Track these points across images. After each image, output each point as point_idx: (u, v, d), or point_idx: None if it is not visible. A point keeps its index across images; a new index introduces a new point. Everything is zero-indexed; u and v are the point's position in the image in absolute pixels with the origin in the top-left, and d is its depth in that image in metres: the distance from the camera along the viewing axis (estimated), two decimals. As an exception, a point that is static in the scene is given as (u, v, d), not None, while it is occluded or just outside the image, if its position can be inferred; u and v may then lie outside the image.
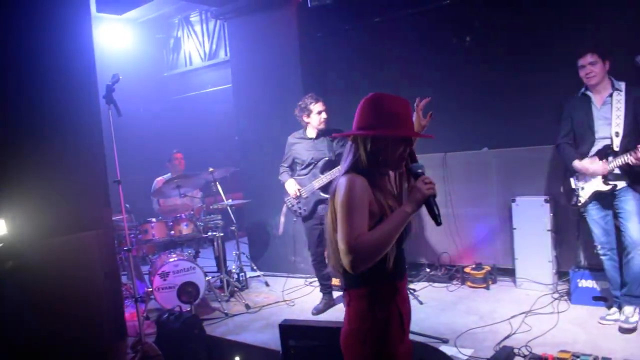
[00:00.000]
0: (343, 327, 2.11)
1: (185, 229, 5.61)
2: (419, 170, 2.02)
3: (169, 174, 6.75)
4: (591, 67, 3.94)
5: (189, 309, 4.93)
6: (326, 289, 5.21)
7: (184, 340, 4.24)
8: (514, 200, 5.16)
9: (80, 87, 4.55)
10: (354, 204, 1.90)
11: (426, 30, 5.86)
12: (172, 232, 5.57)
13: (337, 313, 5.04)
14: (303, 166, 5.00)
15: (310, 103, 4.84)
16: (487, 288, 5.28)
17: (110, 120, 4.37)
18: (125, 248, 4.57)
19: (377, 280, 2.01)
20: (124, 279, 5.66)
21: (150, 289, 5.19)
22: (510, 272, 5.37)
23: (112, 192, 4.69)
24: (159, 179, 6.76)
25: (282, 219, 5.33)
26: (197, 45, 9.24)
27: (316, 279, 5.85)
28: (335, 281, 5.41)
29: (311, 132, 4.97)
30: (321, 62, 6.60)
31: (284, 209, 5.17)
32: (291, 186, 4.96)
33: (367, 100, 2.05)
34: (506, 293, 5.13)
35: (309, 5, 5.83)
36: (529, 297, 4.85)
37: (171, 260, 5.20)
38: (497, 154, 5.50)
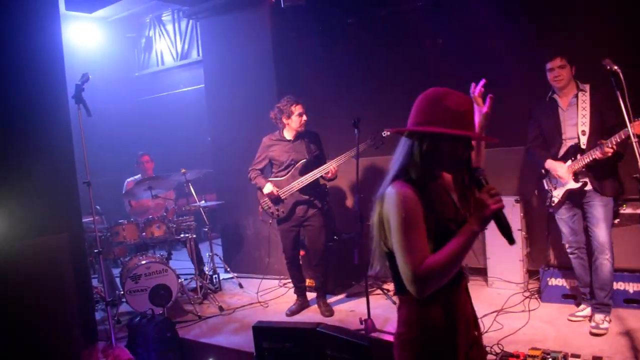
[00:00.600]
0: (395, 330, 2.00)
1: (157, 231, 5.54)
2: (481, 178, 1.80)
3: (139, 176, 6.66)
4: (560, 71, 4.02)
5: (161, 311, 4.87)
6: (300, 290, 5.20)
7: (157, 343, 4.18)
8: (485, 201, 5.21)
9: (49, 86, 4.46)
10: (410, 224, 1.76)
11: (399, 32, 5.89)
12: (144, 234, 5.50)
13: (311, 314, 5.04)
14: (281, 168, 4.95)
15: (292, 105, 4.81)
16: (460, 287, 5.32)
17: (79, 121, 4.29)
18: (95, 250, 4.49)
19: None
20: (94, 282, 5.57)
21: (122, 292, 5.11)
22: (482, 272, 5.43)
23: (82, 194, 4.61)
24: (128, 180, 6.67)
25: (260, 210, 5.28)
26: (169, 44, 9.15)
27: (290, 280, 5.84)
28: (310, 282, 5.41)
29: (289, 134, 4.95)
30: (295, 63, 6.58)
31: (260, 210, 5.12)
32: (270, 189, 4.91)
33: (426, 95, 1.89)
34: (478, 292, 5.18)
35: (282, 6, 5.81)
36: (501, 296, 4.92)
37: (143, 262, 5.13)
38: (468, 155, 5.55)
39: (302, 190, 4.86)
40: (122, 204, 6.77)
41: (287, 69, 6.43)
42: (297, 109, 4.82)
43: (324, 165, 4.79)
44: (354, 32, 6.20)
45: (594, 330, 3.95)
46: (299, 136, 4.94)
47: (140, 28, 9.49)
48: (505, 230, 1.74)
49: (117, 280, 5.75)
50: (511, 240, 1.74)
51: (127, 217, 6.00)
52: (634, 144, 3.25)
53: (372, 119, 5.47)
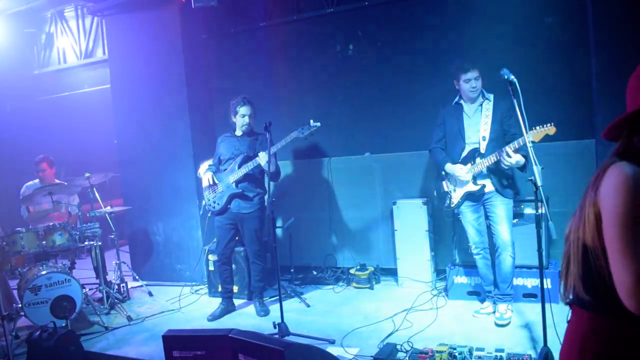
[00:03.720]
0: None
1: (59, 239, 5.23)
2: None
3: (37, 181, 6.25)
4: (476, 82, 4.18)
5: (64, 324, 4.61)
6: (227, 293, 5.14)
7: (59, 358, 3.96)
8: (394, 203, 5.38)
9: None
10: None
11: (311, 37, 5.96)
12: (44, 242, 5.17)
13: (236, 319, 4.98)
14: (224, 162, 5.07)
15: (238, 104, 4.95)
16: (372, 288, 5.46)
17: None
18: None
19: (617, 311, 1.39)
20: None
21: (20, 305, 4.79)
22: (392, 272, 5.60)
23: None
24: (28, 184, 6.25)
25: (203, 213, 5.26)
26: (72, 42, 8.69)
27: (204, 286, 5.75)
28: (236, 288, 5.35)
29: (238, 131, 5.07)
30: (206, 64, 6.48)
31: (203, 205, 5.15)
32: (205, 175, 5.05)
33: (635, 74, 1.48)
34: (389, 292, 5.34)
35: (193, 7, 5.68)
36: (411, 295, 5.08)
37: (43, 272, 4.84)
38: (378, 159, 5.71)
39: (239, 185, 4.93)
40: (18, 209, 6.33)
41: (198, 70, 6.32)
42: (241, 110, 4.96)
43: (257, 157, 4.83)
44: (266, 35, 6.19)
45: (499, 322, 4.18)
46: (248, 134, 5.05)
47: (41, 23, 8.95)
48: None
49: (15, 292, 5.38)
50: None
51: (25, 225, 5.63)
52: (529, 149, 3.48)
53: (285, 119, 5.53)
